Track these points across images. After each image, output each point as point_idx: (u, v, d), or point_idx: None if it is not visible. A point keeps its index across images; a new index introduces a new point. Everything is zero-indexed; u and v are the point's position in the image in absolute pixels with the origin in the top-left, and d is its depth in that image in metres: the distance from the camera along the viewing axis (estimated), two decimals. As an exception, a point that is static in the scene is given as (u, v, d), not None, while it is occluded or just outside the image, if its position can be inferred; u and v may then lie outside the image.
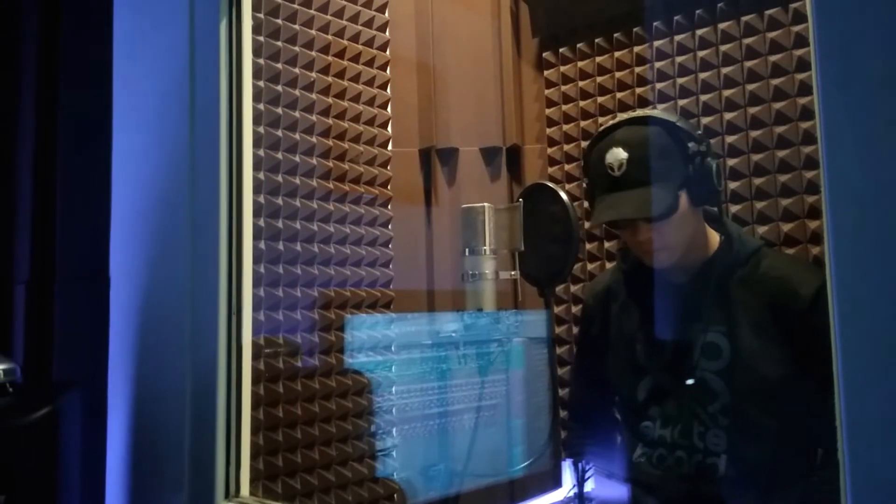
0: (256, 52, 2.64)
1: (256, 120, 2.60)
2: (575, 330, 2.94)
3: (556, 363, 2.81)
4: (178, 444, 2.18)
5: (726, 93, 2.61)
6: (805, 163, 2.45)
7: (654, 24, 2.79)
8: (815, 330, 1.83)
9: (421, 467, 2.94)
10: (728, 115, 2.60)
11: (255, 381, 2.44)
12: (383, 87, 3.17)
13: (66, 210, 2.74)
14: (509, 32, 3.26)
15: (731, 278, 2.04)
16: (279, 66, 2.77)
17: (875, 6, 1.13)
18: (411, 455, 2.99)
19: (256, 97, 2.60)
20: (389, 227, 3.11)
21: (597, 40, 3.02)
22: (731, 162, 2.56)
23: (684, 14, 2.72)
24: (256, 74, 2.62)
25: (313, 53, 2.90)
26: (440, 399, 2.95)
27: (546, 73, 3.19)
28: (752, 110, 2.55)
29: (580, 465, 2.34)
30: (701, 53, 2.67)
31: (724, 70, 2.62)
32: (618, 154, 2.01)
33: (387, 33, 3.19)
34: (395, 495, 2.95)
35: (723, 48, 2.62)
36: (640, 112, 2.14)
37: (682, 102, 2.69)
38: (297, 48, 2.84)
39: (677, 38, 2.73)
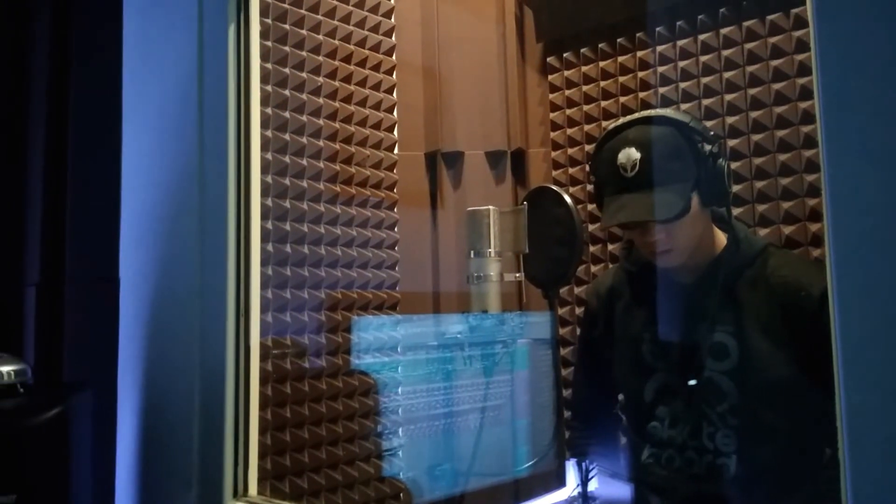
0: (264, 56, 2.66)
1: (264, 124, 2.62)
2: (579, 331, 2.94)
3: (560, 364, 2.82)
4: (186, 444, 2.17)
5: (728, 97, 2.62)
6: (806, 166, 2.46)
7: (657, 28, 2.80)
8: (823, 329, 1.84)
9: (427, 467, 2.94)
10: (730, 119, 2.61)
11: (263, 381, 2.47)
12: (389, 91, 3.18)
13: (76, 214, 2.76)
14: (514, 37, 3.28)
15: (738, 278, 2.02)
16: (286, 70, 2.79)
17: (875, 11, 1.13)
18: (417, 455, 3.00)
19: (264, 101, 2.61)
20: (395, 229, 3.12)
21: (600, 45, 3.03)
22: (733, 165, 2.57)
23: (687, 19, 2.74)
24: (264, 79, 2.64)
25: (320, 58, 2.92)
26: (446, 399, 2.96)
27: (550, 77, 3.20)
28: (754, 114, 2.57)
29: (584, 464, 2.33)
30: (703, 58, 2.68)
31: (726, 74, 2.63)
32: (631, 154, 1.97)
33: (393, 38, 3.21)
34: (402, 494, 2.96)
35: (725, 53, 2.63)
36: (650, 112, 2.11)
37: (684, 106, 2.69)
38: (304, 53, 2.85)
39: (680, 42, 2.74)
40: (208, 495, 2.13)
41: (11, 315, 2.77)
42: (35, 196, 2.81)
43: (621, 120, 2.08)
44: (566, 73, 3.14)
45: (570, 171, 3.10)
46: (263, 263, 2.52)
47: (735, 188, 2.56)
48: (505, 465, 2.83)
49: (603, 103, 3.01)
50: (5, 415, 2.06)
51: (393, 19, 3.21)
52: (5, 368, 2.09)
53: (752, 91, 2.57)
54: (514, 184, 3.26)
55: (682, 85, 2.72)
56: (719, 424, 2.01)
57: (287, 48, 2.80)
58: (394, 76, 3.20)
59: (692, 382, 2.05)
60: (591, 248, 3.00)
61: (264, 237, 2.57)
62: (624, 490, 2.24)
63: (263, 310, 2.50)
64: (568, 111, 3.12)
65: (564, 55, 3.15)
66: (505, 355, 2.65)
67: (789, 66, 2.51)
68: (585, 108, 3.07)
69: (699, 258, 2.07)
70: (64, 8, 2.85)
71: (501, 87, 3.26)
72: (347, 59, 3.03)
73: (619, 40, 2.98)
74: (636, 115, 2.08)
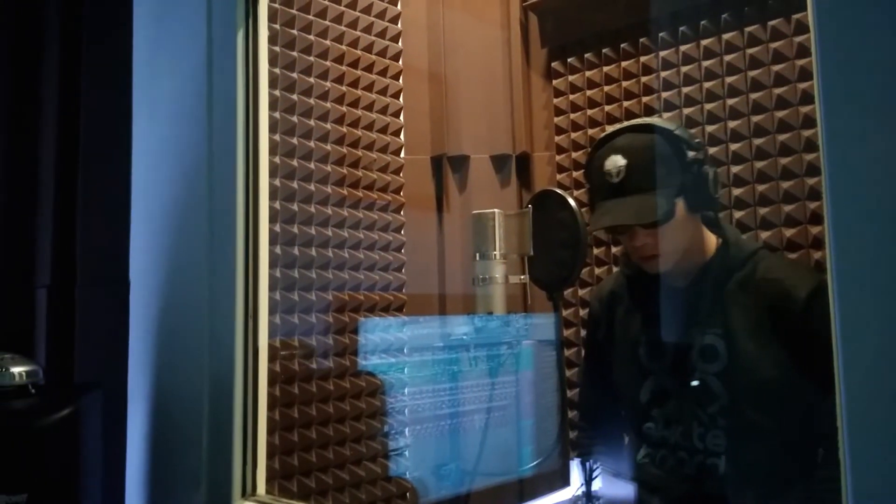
0: (272, 61, 2.67)
1: (272, 128, 2.63)
2: (583, 333, 2.93)
3: (564, 365, 2.83)
4: (196, 444, 2.19)
5: (730, 101, 2.63)
6: (807, 170, 2.47)
7: (660, 34, 2.81)
8: (810, 331, 1.83)
9: (433, 466, 2.95)
10: (732, 124, 2.62)
11: (271, 382, 2.47)
12: (396, 96, 3.20)
13: (87, 218, 2.77)
14: (519, 43, 3.29)
15: (729, 281, 2.04)
16: (294, 75, 2.81)
17: (875, 17, 1.14)
18: (423, 454, 3.01)
19: (272, 106, 2.62)
20: (402, 232, 3.14)
21: (604, 50, 3.05)
22: (734, 169, 2.59)
23: (689, 25, 2.75)
24: (272, 84, 2.65)
25: (328, 63, 2.94)
26: (451, 400, 2.97)
27: (555, 82, 3.21)
28: (756, 118, 2.58)
29: (588, 464, 2.34)
30: (705, 63, 2.70)
31: (728, 79, 2.64)
32: (616, 161, 2.03)
33: (399, 44, 3.23)
34: (408, 494, 2.98)
35: (727, 58, 2.65)
36: (639, 120, 2.16)
37: (687, 111, 2.71)
38: (311, 58, 2.87)
39: (682, 48, 2.76)
40: (217, 494, 2.15)
41: (23, 317, 2.78)
42: (46, 201, 2.83)
43: (610, 129, 2.14)
44: (570, 77, 3.15)
45: (575, 174, 3.11)
46: (271, 266, 2.53)
47: (737, 191, 2.59)
48: (510, 464, 2.84)
49: (607, 107, 3.03)
50: (17, 415, 2.07)
51: (399, 25, 3.23)
52: (17, 369, 2.10)
53: (753, 95, 2.59)
54: (519, 187, 3.28)
55: (685, 89, 2.73)
56: (710, 425, 2.04)
57: (295, 53, 2.81)
58: (400, 81, 3.22)
59: (685, 384, 2.08)
60: (595, 251, 3.01)
61: (272, 240, 2.58)
62: (627, 489, 2.24)
63: (271, 311, 2.51)
64: (572, 115, 3.14)
65: (569, 60, 3.17)
66: (510, 356, 2.67)
67: (790, 70, 2.52)
68: (589, 112, 3.09)
69: (690, 262, 2.11)
70: (75, 15, 2.87)
71: (506, 91, 3.28)
72: (354, 64, 3.04)
73: (622, 45, 2.99)
74: (624, 125, 2.13)
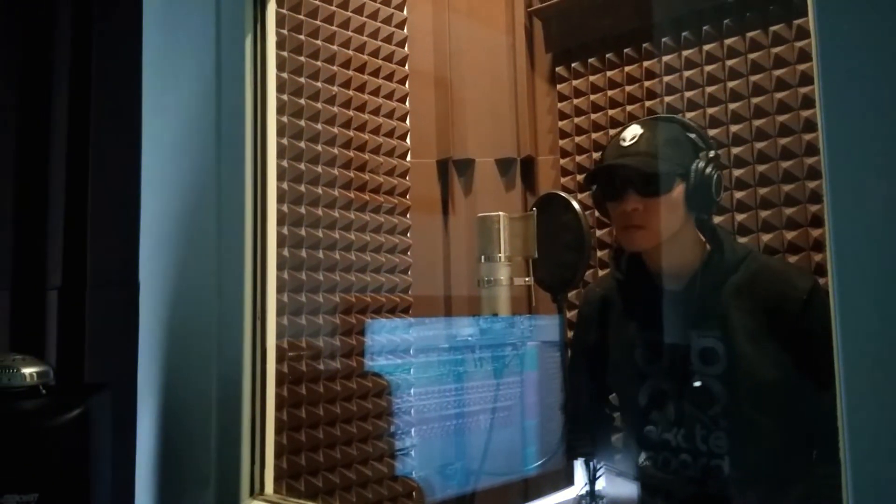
0: (280, 66, 2.68)
1: (280, 132, 2.64)
2: (571, 336, 2.96)
3: (568, 366, 2.84)
4: (204, 444, 2.19)
5: (732, 105, 2.66)
6: (808, 173, 2.49)
7: (663, 39, 2.84)
8: (806, 332, 1.87)
9: (438, 466, 2.97)
10: (734, 128, 2.65)
11: (279, 383, 2.47)
12: (402, 100, 3.22)
13: (97, 221, 2.78)
14: (523, 48, 3.32)
15: (723, 284, 2.05)
16: (302, 80, 2.82)
17: (875, 22, 1.15)
18: (429, 454, 3.02)
19: (280, 110, 2.64)
20: (408, 235, 3.15)
21: (607, 55, 3.07)
22: (736, 172, 2.61)
23: (691, 30, 2.77)
24: (280, 88, 2.66)
25: (335, 68, 2.95)
26: (457, 400, 2.98)
27: (559, 86, 3.24)
28: (757, 122, 2.60)
29: (591, 463, 2.35)
30: (708, 68, 2.72)
31: (730, 84, 2.67)
32: (634, 130, 2.09)
33: (405, 49, 3.25)
34: (414, 493, 2.98)
35: (729, 63, 2.67)
36: (663, 115, 2.22)
37: (689, 115, 2.72)
38: (319, 63, 2.89)
39: (685, 53, 2.78)
40: (226, 494, 2.15)
41: (35, 319, 2.78)
42: (57, 205, 2.83)
43: None
44: (574, 82, 3.18)
45: (578, 177, 3.14)
46: (279, 268, 2.51)
47: (739, 194, 2.61)
48: (514, 464, 2.85)
49: (610, 112, 3.05)
50: (28, 415, 2.07)
51: (406, 30, 3.25)
52: (28, 370, 2.10)
53: (755, 100, 2.61)
54: (524, 190, 3.30)
55: (688, 94, 2.76)
56: (712, 427, 2.04)
57: (302, 58, 2.83)
58: (406, 86, 3.24)
59: (685, 386, 2.08)
60: (599, 253, 3.03)
61: (280, 242, 2.59)
62: (630, 489, 2.26)
63: (279, 313, 2.50)
64: (576, 119, 3.16)
65: (573, 65, 3.19)
66: (514, 357, 2.67)
67: (791, 75, 2.54)
68: (593, 116, 3.12)
69: (684, 265, 2.12)
70: (85, 23, 2.89)
71: (511, 96, 3.31)
72: (361, 69, 3.06)
73: (625, 51, 3.02)
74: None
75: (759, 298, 2.01)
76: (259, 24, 2.29)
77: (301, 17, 2.84)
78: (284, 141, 2.73)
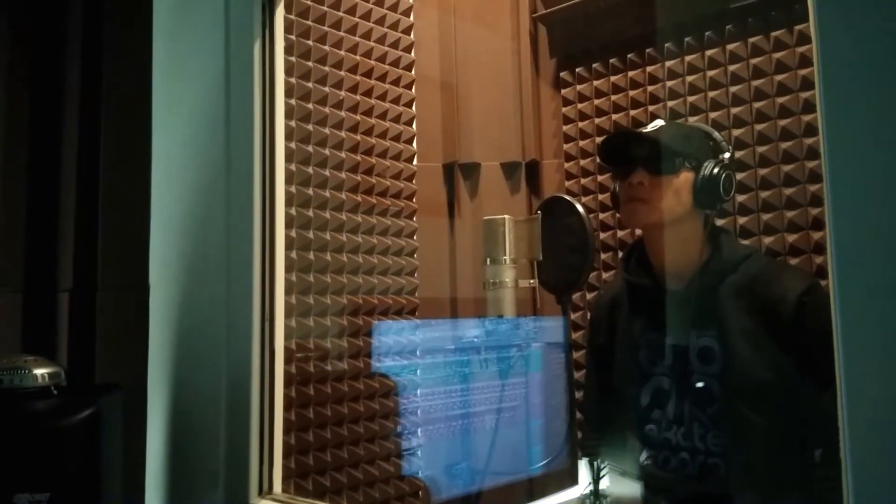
0: (288, 71, 2.69)
1: (288, 136, 2.65)
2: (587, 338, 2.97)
3: (572, 367, 2.81)
4: (214, 444, 2.19)
5: (734, 110, 2.68)
6: (809, 177, 2.51)
7: (666, 45, 2.86)
8: (802, 333, 1.90)
9: (444, 466, 2.97)
10: (736, 132, 2.67)
11: (288, 383, 2.49)
12: (409, 104, 3.22)
13: (107, 224, 2.79)
14: (528, 53, 3.34)
15: (722, 284, 2.08)
16: (310, 84, 2.83)
17: (876, 28, 1.16)
18: (435, 454, 3.02)
19: (288, 114, 2.65)
20: (414, 237, 3.16)
21: (611, 60, 3.10)
22: (738, 176, 2.59)
23: (694, 36, 2.80)
24: (288, 93, 2.67)
25: (342, 73, 2.96)
26: (463, 401, 2.98)
27: (563, 91, 3.26)
28: (759, 127, 2.63)
29: (595, 463, 2.37)
30: (710, 73, 2.74)
31: (732, 88, 2.69)
32: (655, 122, 2.16)
33: (412, 54, 3.25)
34: (420, 492, 2.99)
35: (731, 68, 2.69)
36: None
37: (692, 119, 2.74)
38: (326, 68, 2.90)
39: (688, 58, 2.80)
40: (234, 493, 2.16)
41: (46, 320, 2.79)
42: (68, 208, 2.84)
43: None
44: (578, 87, 3.20)
45: (583, 181, 3.16)
46: (287, 270, 2.55)
47: (741, 198, 2.62)
48: (520, 463, 2.86)
49: (614, 116, 3.08)
50: (40, 416, 2.07)
51: (412, 36, 3.26)
52: (40, 371, 2.11)
53: (757, 104, 2.64)
54: (529, 194, 3.32)
55: (690, 98, 2.78)
56: (710, 426, 2.07)
57: (310, 63, 2.84)
58: (413, 90, 3.24)
59: (684, 385, 2.11)
60: (603, 256, 3.06)
61: (288, 245, 2.60)
62: (634, 488, 2.26)
63: (288, 315, 2.52)
64: (580, 124, 3.19)
65: (577, 70, 3.22)
66: (519, 358, 2.68)
67: (793, 80, 2.56)
68: (597, 120, 3.14)
69: (686, 264, 2.15)
70: (95, 28, 2.90)
71: (516, 100, 3.33)
72: (368, 74, 3.07)
73: (629, 56, 3.04)
74: None
75: (756, 299, 2.03)
76: (267, 29, 2.30)
77: (309, 22, 2.85)
78: (292, 145, 2.74)
